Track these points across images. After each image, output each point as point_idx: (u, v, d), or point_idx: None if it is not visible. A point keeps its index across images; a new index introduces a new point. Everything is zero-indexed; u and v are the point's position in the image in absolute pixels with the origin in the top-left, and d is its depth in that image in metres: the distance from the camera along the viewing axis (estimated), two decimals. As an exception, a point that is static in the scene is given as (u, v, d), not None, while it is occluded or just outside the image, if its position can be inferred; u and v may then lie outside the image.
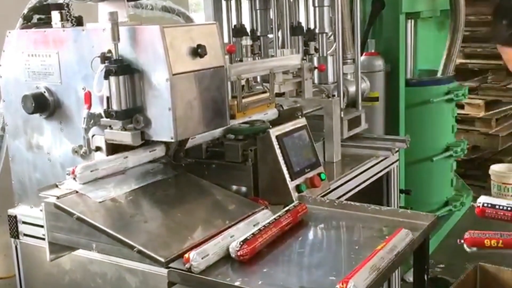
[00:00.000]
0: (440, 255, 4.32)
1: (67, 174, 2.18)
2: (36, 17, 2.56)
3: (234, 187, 2.35)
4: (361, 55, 3.74)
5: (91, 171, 2.01)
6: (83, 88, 2.19)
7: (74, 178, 1.98)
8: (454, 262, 4.34)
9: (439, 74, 4.75)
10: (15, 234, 2.45)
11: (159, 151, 2.19)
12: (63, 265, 2.21)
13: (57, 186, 2.01)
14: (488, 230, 1.92)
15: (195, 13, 4.80)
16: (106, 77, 2.05)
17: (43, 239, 2.12)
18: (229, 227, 1.92)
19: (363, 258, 1.73)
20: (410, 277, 3.98)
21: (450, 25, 4.67)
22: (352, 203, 2.22)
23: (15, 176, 2.50)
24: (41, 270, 2.35)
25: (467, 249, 1.89)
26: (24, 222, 2.42)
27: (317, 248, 2.00)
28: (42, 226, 2.14)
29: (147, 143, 2.14)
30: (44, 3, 2.57)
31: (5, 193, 2.63)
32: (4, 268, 3.08)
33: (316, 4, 3.44)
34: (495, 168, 5.70)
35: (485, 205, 1.91)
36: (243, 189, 2.35)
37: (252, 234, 1.84)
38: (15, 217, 2.45)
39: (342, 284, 1.54)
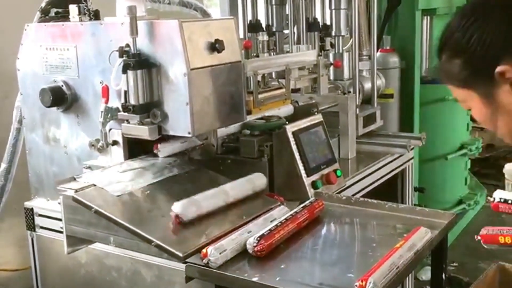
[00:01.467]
0: (454, 254, 4.30)
1: (84, 167, 2.20)
2: (53, 10, 2.57)
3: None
4: (377, 51, 3.72)
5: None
6: (100, 82, 2.20)
7: None
8: (468, 261, 4.32)
9: (454, 72, 4.70)
10: (31, 226, 2.46)
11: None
12: (78, 258, 2.22)
13: (75, 179, 2.02)
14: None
15: (207, 8, 4.79)
16: (124, 71, 2.05)
17: (59, 232, 2.14)
18: (246, 222, 1.92)
19: (380, 256, 1.72)
20: (423, 276, 3.97)
21: (467, 22, 4.62)
22: (369, 200, 2.21)
23: (32, 169, 2.52)
24: (57, 263, 2.37)
25: (485, 246, 1.85)
26: (40, 215, 2.44)
27: (334, 245, 1.99)
28: (58, 219, 2.16)
29: (163, 137, 2.14)
30: (62, -4, 2.58)
31: (22, 186, 2.65)
32: (19, 260, 3.10)
33: (333, 7, 3.42)
34: (509, 167, 5.63)
35: (500, 200, 1.89)
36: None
37: (269, 230, 1.83)
38: (32, 209, 2.46)
39: (362, 281, 1.53)
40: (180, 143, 2.23)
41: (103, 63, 2.17)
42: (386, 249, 1.75)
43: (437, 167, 4.52)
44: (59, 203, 2.00)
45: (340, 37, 3.48)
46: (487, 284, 1.99)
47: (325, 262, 1.83)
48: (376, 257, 1.72)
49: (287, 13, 3.57)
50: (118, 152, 2.18)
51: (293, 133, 2.35)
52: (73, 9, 2.34)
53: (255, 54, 2.99)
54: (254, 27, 3.62)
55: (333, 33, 3.47)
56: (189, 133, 2.05)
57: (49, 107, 2.32)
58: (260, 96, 2.54)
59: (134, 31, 2.01)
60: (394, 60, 4.03)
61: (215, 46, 2.09)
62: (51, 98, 2.29)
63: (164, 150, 2.17)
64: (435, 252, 1.99)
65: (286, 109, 2.66)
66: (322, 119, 2.56)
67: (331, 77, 3.40)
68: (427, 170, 4.36)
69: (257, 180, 2.15)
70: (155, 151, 2.16)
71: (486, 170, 6.01)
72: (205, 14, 3.13)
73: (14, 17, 2.73)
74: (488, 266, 2.14)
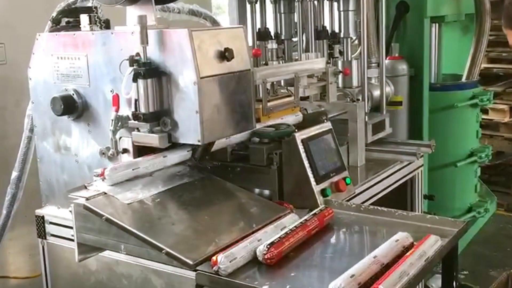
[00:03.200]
0: (464, 262, 4.27)
1: (94, 175, 2.21)
2: (64, 20, 2.60)
3: (258, 190, 2.35)
4: (385, 59, 3.72)
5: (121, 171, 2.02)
6: (111, 91, 2.21)
7: (103, 179, 1.99)
8: (478, 269, 4.29)
9: (463, 79, 4.69)
10: (42, 234, 2.48)
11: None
12: (89, 266, 2.23)
13: (86, 187, 2.03)
14: (511, 237, 1.86)
15: (216, 16, 4.82)
16: (135, 79, 2.07)
17: (70, 239, 2.15)
18: (256, 230, 1.92)
19: (390, 264, 1.72)
20: (433, 284, 3.94)
21: (475, 29, 4.62)
22: (378, 208, 2.21)
23: (43, 177, 2.54)
24: (67, 270, 2.38)
25: None
26: (51, 223, 2.45)
27: (344, 253, 1.99)
28: (69, 227, 2.17)
29: (173, 145, 2.15)
30: (73, 6, 2.61)
31: (33, 194, 2.67)
32: (29, 267, 3.12)
33: (341, 9, 3.43)
34: (520, 174, 5.55)
35: None
36: (267, 192, 2.35)
37: (279, 237, 1.83)
38: (43, 217, 2.48)
39: (372, 289, 1.53)
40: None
41: (114, 72, 2.19)
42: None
43: (447, 174, 4.50)
44: (70, 211, 2.01)
45: (349, 40, 3.48)
46: (499, 292, 1.98)
47: (335, 270, 1.81)
48: (386, 265, 1.72)
49: (295, 21, 3.59)
50: (128, 160, 2.19)
51: (302, 140, 2.36)
52: (84, 18, 2.37)
53: (264, 62, 3.00)
54: (263, 35, 3.63)
55: (341, 35, 3.47)
56: (198, 141, 2.06)
57: (60, 115, 2.34)
58: (269, 104, 2.55)
59: (144, 41, 2.03)
60: (403, 67, 4.03)
61: (225, 55, 2.10)
62: (62, 107, 2.31)
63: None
64: (446, 260, 1.99)
65: (295, 117, 2.67)
66: (331, 127, 2.56)
67: (340, 85, 3.40)
68: (437, 178, 4.34)
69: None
70: None
71: (496, 178, 5.97)
72: (215, 23, 3.15)
73: (27, 27, 2.77)
74: (498, 274, 2.14)
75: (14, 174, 2.82)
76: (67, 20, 2.59)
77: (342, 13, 3.43)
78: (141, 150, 2.18)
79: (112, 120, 2.13)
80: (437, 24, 4.51)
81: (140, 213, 1.96)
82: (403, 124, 4.05)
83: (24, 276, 3.17)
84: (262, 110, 2.51)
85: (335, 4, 3.54)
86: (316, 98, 3.15)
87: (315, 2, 3.48)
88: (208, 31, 2.16)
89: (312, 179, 2.33)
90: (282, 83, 3.18)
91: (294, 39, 3.66)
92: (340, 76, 3.36)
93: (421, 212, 3.35)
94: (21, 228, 3.06)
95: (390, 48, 4.07)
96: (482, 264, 4.33)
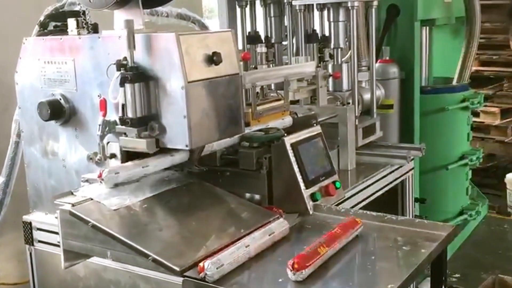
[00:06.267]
0: (456, 265, 4.27)
1: (82, 181, 2.19)
2: (52, 24, 2.58)
3: (248, 195, 2.34)
4: (376, 62, 3.72)
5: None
6: (98, 95, 2.20)
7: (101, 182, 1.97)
8: (470, 272, 4.29)
9: (454, 82, 4.71)
10: (29, 240, 2.45)
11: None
12: (77, 272, 2.21)
13: (72, 193, 2.01)
14: (503, 240, 1.86)
15: (208, 20, 4.82)
16: (122, 84, 2.05)
17: (58, 245, 2.12)
18: (244, 235, 1.90)
19: (379, 268, 1.71)
20: (424, 287, 3.93)
21: (466, 32, 4.63)
22: (368, 212, 2.20)
23: (30, 182, 2.51)
24: (55, 276, 2.36)
25: None
26: (38, 229, 2.43)
27: (333, 258, 1.97)
28: (56, 233, 2.14)
29: (162, 150, 2.14)
30: (61, 10, 2.59)
31: (20, 200, 2.64)
32: (18, 274, 3.09)
33: (332, 19, 3.41)
34: (511, 177, 5.61)
35: None
36: (257, 196, 2.33)
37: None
38: (30, 223, 2.45)
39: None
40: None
41: (101, 76, 2.17)
42: (386, 262, 1.73)
43: (438, 177, 4.50)
44: (56, 217, 1.99)
45: (339, 50, 3.48)
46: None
47: (323, 275, 1.81)
48: (375, 270, 1.71)
49: (286, 24, 3.59)
50: (116, 165, 2.17)
51: (292, 145, 2.35)
52: (71, 22, 2.35)
53: (253, 66, 3.00)
54: (253, 38, 3.63)
55: (331, 45, 3.47)
56: (186, 146, 2.05)
57: (47, 120, 2.32)
58: (258, 108, 2.54)
59: (131, 45, 2.02)
60: (394, 70, 4.03)
61: (213, 59, 2.09)
62: (49, 112, 2.29)
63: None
64: (435, 264, 1.98)
65: (285, 121, 2.66)
66: (321, 131, 2.55)
67: (330, 88, 3.40)
68: (428, 181, 4.34)
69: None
70: None
71: (487, 180, 5.98)
72: (203, 27, 3.14)
73: (15, 31, 2.75)
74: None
75: (1, 179, 2.80)
76: (55, 24, 2.58)
77: (332, 23, 3.41)
78: (129, 155, 2.16)
79: (100, 125, 2.11)
80: (427, 27, 4.52)
81: (127, 219, 1.94)
82: (394, 128, 4.06)
83: (12, 283, 3.14)
84: (251, 114, 2.50)
85: (325, 13, 3.53)
86: (306, 101, 3.14)
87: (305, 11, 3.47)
88: (195, 35, 2.14)
89: (301, 184, 2.31)
90: (273, 87, 3.18)
91: (284, 43, 3.66)
92: (330, 80, 3.36)
93: (413, 216, 3.35)
94: (9, 234, 3.03)
95: (380, 51, 4.07)
96: (473, 267, 4.33)
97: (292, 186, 2.31)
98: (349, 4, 3.22)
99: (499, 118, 6.15)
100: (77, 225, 1.90)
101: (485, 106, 5.62)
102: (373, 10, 3.37)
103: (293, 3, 3.37)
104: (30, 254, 2.46)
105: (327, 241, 1.84)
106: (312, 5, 3.47)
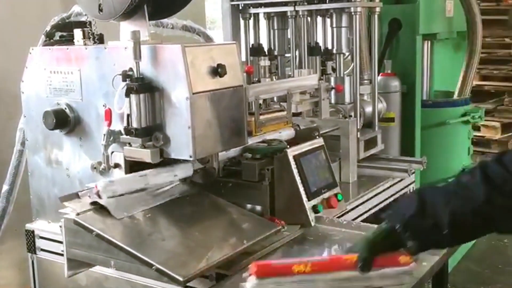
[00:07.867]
0: (456, 278, 4.27)
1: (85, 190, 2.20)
2: (58, 34, 2.61)
3: (249, 206, 2.35)
4: (378, 75, 3.75)
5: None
6: (103, 105, 2.22)
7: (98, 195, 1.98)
8: (470, 286, 4.29)
9: (455, 96, 4.74)
10: (32, 249, 2.46)
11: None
12: (79, 281, 2.22)
13: (78, 195, 2.02)
14: (503, 255, 1.85)
15: (210, 30, 4.85)
16: (127, 95, 2.06)
17: (60, 254, 2.13)
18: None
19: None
20: (425, 300, 3.93)
21: (467, 46, 4.67)
22: (369, 225, 2.21)
23: (34, 191, 2.52)
24: (57, 285, 2.36)
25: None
26: (41, 237, 2.44)
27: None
28: (59, 242, 2.15)
29: (165, 161, 2.15)
30: (67, 21, 2.62)
31: (23, 208, 2.65)
32: (20, 282, 3.09)
33: (334, 25, 3.46)
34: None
35: None
36: (258, 208, 2.34)
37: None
38: (33, 232, 2.46)
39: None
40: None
41: (107, 86, 2.19)
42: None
43: (439, 191, 4.51)
44: (60, 226, 2.00)
45: (342, 56, 3.51)
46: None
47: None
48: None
49: (289, 37, 3.62)
50: (120, 175, 2.19)
51: (294, 157, 2.36)
52: (77, 33, 2.37)
53: (257, 79, 3.02)
54: (256, 50, 3.66)
55: (334, 51, 3.50)
56: (190, 156, 2.06)
57: (52, 129, 2.34)
58: (261, 117, 2.56)
59: (137, 56, 2.04)
60: (395, 84, 4.06)
61: (217, 71, 2.11)
62: (54, 121, 2.31)
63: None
64: (436, 278, 1.99)
65: (287, 133, 2.68)
66: (323, 143, 2.57)
67: (332, 101, 3.42)
68: (429, 194, 4.34)
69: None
70: None
71: (487, 194, 5.98)
72: (208, 39, 3.16)
73: (20, 40, 2.77)
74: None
75: (5, 187, 2.81)
76: (61, 34, 2.60)
77: (335, 29, 3.45)
78: (133, 165, 2.17)
79: (104, 134, 2.13)
80: (429, 42, 4.56)
81: (130, 229, 1.95)
82: (395, 141, 4.08)
83: (13, 291, 3.14)
84: (254, 123, 2.52)
85: (328, 20, 3.57)
86: (308, 114, 3.16)
87: (308, 18, 3.51)
88: (201, 47, 2.17)
89: (303, 196, 2.32)
90: (275, 99, 3.20)
91: (287, 55, 3.69)
92: (332, 92, 3.38)
93: (413, 229, 3.34)
94: (11, 241, 3.03)
95: (382, 64, 4.10)
96: (473, 281, 4.33)
97: (294, 198, 2.32)
98: (352, 10, 3.26)
99: (500, 132, 6.18)
100: (81, 234, 1.91)
101: (486, 120, 5.63)
102: (376, 17, 3.40)
103: (296, 8, 3.41)
104: (32, 262, 2.47)
105: (315, 265, 1.55)
106: (316, 13, 3.50)
